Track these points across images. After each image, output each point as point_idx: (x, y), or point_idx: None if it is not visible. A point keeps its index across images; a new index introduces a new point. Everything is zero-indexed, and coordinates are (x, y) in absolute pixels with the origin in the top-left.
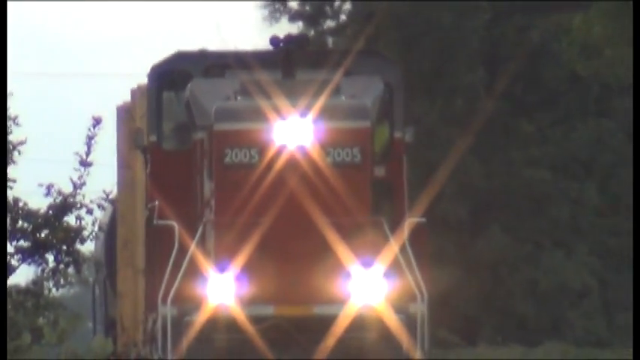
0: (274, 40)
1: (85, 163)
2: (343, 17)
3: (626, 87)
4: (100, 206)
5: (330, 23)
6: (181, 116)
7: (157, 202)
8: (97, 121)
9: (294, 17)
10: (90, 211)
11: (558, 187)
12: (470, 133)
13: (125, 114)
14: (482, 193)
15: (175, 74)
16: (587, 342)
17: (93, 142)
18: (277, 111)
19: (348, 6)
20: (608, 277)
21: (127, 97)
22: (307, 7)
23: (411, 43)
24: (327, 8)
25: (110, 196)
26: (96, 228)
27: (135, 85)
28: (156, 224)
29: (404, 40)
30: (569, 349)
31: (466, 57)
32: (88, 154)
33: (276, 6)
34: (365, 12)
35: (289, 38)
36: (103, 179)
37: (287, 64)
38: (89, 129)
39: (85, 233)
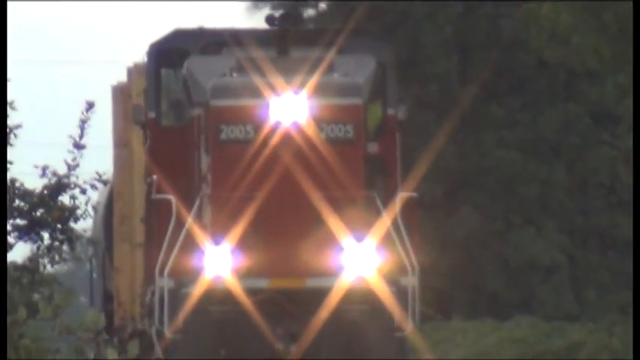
0: (269, 19)
1: (78, 146)
2: (323, 5)
3: (592, 73)
4: (92, 186)
5: (310, 12)
6: (179, 93)
7: (155, 177)
8: (90, 106)
9: (275, 7)
10: (83, 192)
11: (528, 168)
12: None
13: (120, 94)
14: (455, 173)
15: (173, 52)
16: (556, 316)
17: (86, 125)
18: (272, 88)
19: None
20: (576, 254)
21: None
22: None
23: (387, 33)
24: None
25: (103, 177)
26: (89, 207)
27: (131, 64)
28: (154, 198)
29: (381, 29)
30: (539, 322)
31: (440, 45)
32: (81, 137)
33: None
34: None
35: (284, 17)
36: (96, 161)
37: (282, 42)
38: (82, 113)
39: (79, 212)
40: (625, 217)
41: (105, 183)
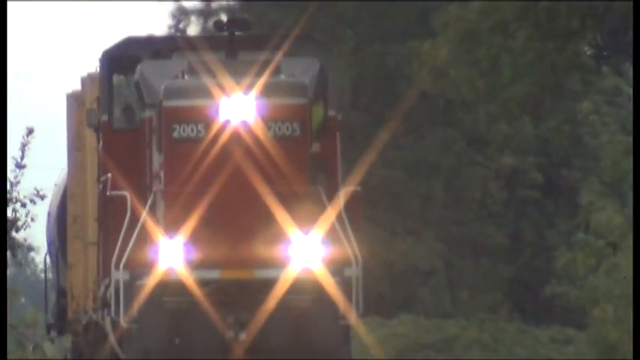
0: (218, 24)
1: (19, 166)
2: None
3: (467, 102)
4: (32, 201)
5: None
6: (130, 98)
7: (109, 175)
8: (29, 131)
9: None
10: (24, 205)
11: (410, 185)
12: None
13: (75, 101)
14: None
15: (125, 58)
16: (434, 314)
17: (26, 148)
18: (222, 88)
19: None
20: (452, 260)
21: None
22: None
23: None
24: None
25: (41, 192)
26: (29, 219)
27: (85, 74)
28: (109, 195)
29: None
30: (420, 319)
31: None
32: (22, 158)
33: None
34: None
35: (232, 22)
36: (37, 179)
37: (231, 46)
38: (23, 137)
39: (19, 223)
40: (494, 227)
41: (42, 198)
